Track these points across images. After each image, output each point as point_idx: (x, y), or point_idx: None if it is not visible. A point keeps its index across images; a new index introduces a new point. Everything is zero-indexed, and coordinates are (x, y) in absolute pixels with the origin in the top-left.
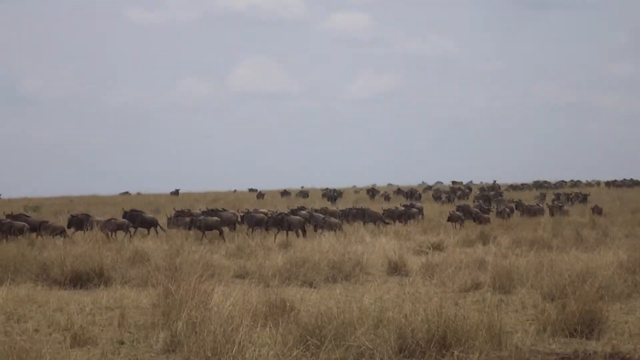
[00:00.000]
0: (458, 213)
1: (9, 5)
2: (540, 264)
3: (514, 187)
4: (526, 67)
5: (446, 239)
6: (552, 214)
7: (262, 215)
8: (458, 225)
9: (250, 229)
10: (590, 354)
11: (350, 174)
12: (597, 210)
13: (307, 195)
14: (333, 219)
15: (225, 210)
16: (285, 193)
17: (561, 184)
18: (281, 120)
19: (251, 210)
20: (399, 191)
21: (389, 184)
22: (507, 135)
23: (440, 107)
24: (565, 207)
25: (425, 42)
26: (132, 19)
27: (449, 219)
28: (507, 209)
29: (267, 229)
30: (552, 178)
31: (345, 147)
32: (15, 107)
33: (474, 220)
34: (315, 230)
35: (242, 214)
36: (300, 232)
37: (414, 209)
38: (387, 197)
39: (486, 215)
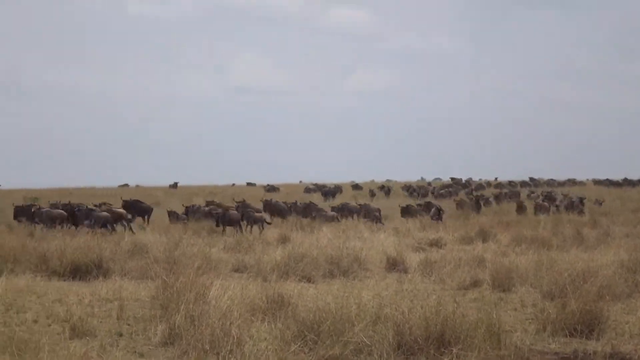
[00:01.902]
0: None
1: None
2: (540, 263)
3: (512, 185)
4: (524, 63)
5: (445, 236)
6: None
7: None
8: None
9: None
10: (590, 353)
11: (349, 169)
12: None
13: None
14: (257, 215)
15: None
16: (272, 188)
17: (550, 182)
18: (279, 115)
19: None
20: (382, 188)
21: (388, 180)
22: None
23: (440, 102)
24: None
25: (423, 36)
26: (131, 12)
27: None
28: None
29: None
30: (558, 176)
31: (343, 142)
32: (16, 99)
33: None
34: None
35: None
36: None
37: (373, 206)
38: (372, 194)
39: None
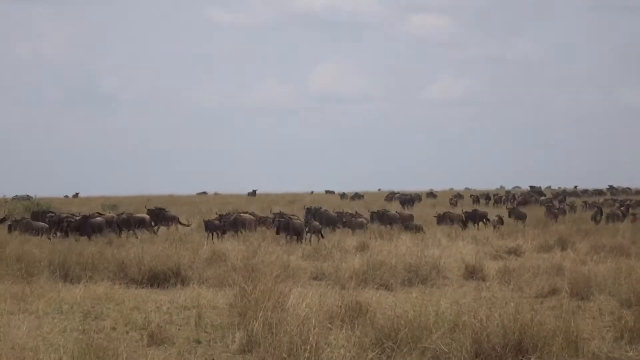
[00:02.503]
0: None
1: (91, 4)
2: (618, 271)
3: (589, 193)
4: (608, 70)
5: (524, 244)
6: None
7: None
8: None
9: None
10: None
11: (429, 176)
12: None
13: (362, 197)
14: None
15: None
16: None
17: (626, 190)
18: (359, 122)
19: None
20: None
21: (466, 188)
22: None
23: (520, 111)
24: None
25: (505, 44)
26: (211, 19)
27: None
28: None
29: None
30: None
31: (423, 149)
32: (94, 106)
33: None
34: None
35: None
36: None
37: (361, 219)
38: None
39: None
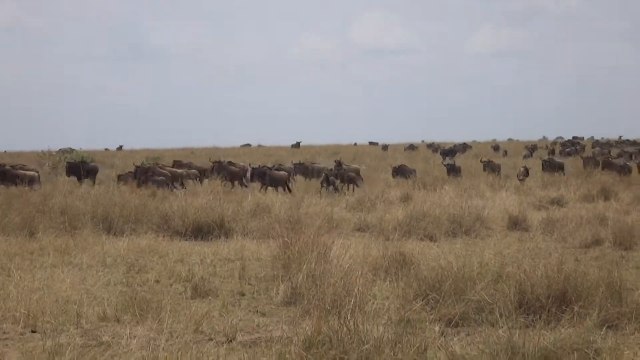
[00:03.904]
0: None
1: None
2: None
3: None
4: None
5: (567, 194)
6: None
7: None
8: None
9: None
10: None
11: (471, 128)
12: None
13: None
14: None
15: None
16: (411, 147)
17: None
18: (402, 75)
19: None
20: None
21: (509, 139)
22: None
23: (564, 64)
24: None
25: None
26: None
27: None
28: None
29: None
30: None
31: (466, 101)
32: (141, 61)
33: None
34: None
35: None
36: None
37: (350, 173)
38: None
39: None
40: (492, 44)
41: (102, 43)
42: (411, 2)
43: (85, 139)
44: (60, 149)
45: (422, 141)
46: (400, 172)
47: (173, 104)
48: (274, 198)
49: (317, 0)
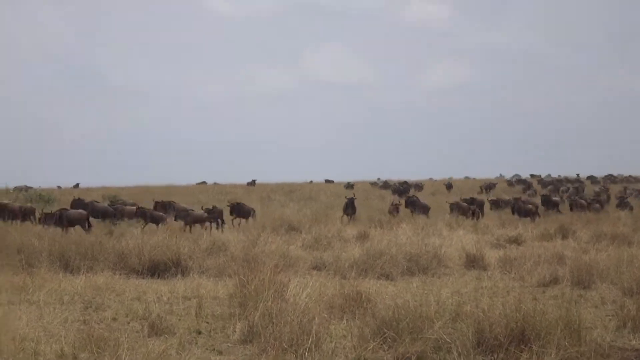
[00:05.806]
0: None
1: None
2: (620, 259)
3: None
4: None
5: (524, 232)
6: (571, 208)
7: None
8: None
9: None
10: None
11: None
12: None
13: (352, 187)
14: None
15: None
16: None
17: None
18: (356, 110)
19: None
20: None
21: (466, 177)
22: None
23: (518, 100)
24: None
25: (504, 33)
26: (211, 10)
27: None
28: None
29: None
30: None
31: (421, 138)
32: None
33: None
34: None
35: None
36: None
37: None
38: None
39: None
40: (445, 81)
41: (59, 79)
42: (366, 39)
43: (42, 177)
44: (16, 187)
45: (378, 179)
46: (237, 210)
47: (130, 140)
48: (230, 236)
49: (269, 36)
